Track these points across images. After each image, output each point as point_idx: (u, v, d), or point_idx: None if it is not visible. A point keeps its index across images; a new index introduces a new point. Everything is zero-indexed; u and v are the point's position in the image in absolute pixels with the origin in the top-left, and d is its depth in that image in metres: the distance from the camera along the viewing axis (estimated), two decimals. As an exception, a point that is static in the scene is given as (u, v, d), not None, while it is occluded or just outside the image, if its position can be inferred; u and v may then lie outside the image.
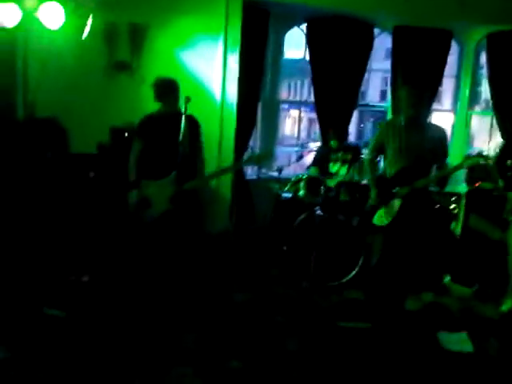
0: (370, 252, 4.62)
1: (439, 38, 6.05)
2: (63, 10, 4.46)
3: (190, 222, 4.07)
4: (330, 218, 4.75)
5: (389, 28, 6.16)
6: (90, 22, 4.73)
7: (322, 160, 5.46)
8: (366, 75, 6.34)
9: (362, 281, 4.61)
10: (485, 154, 4.03)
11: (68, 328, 3.50)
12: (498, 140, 6.28)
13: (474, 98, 6.67)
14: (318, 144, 6.20)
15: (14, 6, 4.28)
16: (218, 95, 5.57)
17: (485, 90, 6.78)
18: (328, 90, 6.04)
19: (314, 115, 6.47)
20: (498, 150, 4.80)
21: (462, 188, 5.42)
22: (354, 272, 4.63)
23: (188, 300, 4.03)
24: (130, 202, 4.01)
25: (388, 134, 4.06)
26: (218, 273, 4.80)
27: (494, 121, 6.18)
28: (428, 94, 5.97)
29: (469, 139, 6.74)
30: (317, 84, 6.12)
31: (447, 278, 5.01)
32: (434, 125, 4.30)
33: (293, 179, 5.28)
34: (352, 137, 5.56)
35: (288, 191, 5.24)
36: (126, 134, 4.85)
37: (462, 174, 5.59)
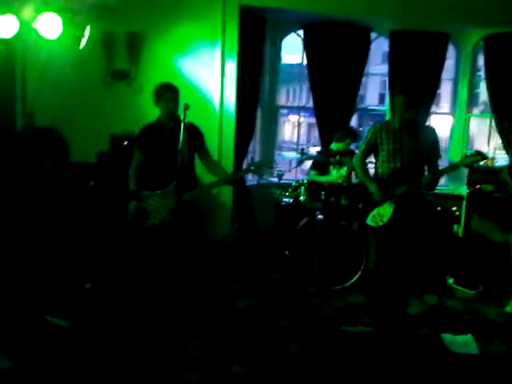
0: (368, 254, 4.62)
1: (436, 42, 6.06)
2: (61, 20, 4.48)
3: (191, 232, 4.02)
4: (331, 223, 4.74)
5: (385, 32, 6.18)
6: (87, 31, 4.75)
7: (321, 164, 5.47)
8: (364, 79, 6.35)
9: (365, 284, 4.60)
10: (483, 152, 4.05)
11: (70, 336, 3.49)
12: (497, 142, 6.28)
13: (472, 100, 6.67)
14: (318, 149, 6.21)
15: (11, 17, 4.30)
16: (216, 102, 5.58)
17: (483, 92, 6.79)
18: (326, 95, 6.05)
19: (313, 120, 6.47)
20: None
21: (463, 190, 5.41)
22: (356, 276, 4.62)
23: (191, 306, 4.03)
24: (130, 214, 3.95)
25: (382, 136, 4.12)
26: (221, 278, 4.79)
27: (493, 123, 6.18)
28: (425, 98, 6.01)
29: (468, 142, 6.73)
30: (315, 89, 6.14)
31: (451, 280, 4.99)
32: (427, 126, 4.37)
33: (293, 184, 5.28)
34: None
35: (289, 196, 5.24)
36: (126, 143, 4.86)
37: (463, 175, 5.60)
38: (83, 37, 4.75)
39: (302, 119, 7.77)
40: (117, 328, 3.64)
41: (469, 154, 4.10)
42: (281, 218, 5.27)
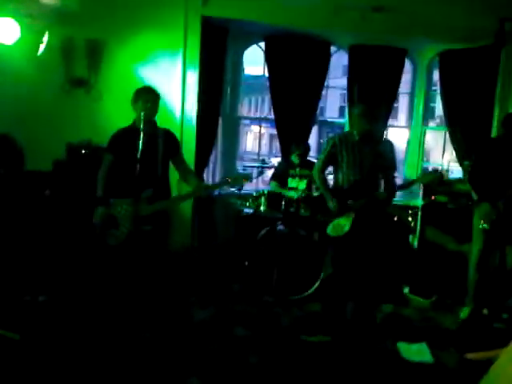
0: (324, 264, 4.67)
1: (394, 56, 6.23)
2: (18, 26, 4.39)
3: (160, 243, 3.89)
4: (291, 233, 4.78)
5: (345, 46, 6.32)
6: (46, 37, 4.67)
7: (281, 175, 5.52)
8: (324, 91, 6.46)
9: (322, 294, 4.64)
10: (439, 170, 4.18)
11: (22, 351, 3.39)
12: (452, 154, 6.48)
13: (427, 114, 6.88)
14: (279, 159, 6.26)
15: (-34, 21, 4.19)
16: (177, 111, 5.56)
17: (438, 106, 7.01)
18: (287, 106, 6.12)
19: (274, 131, 6.53)
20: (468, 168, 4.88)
21: (418, 201, 5.55)
22: (315, 285, 4.67)
23: (149, 317, 3.97)
24: (96, 220, 3.75)
25: (341, 149, 4.16)
26: (180, 290, 4.75)
27: (448, 136, 6.38)
28: (383, 111, 6.16)
29: (424, 154, 6.93)
30: (276, 100, 6.20)
31: (406, 290, 5.10)
32: (385, 139, 4.46)
33: (254, 195, 5.30)
34: (312, 152, 5.63)
35: (249, 207, 5.26)
36: (83, 151, 4.78)
37: (417, 187, 5.74)
38: (42, 43, 4.67)
39: (263, 130, 7.81)
40: (70, 341, 3.55)
41: (428, 172, 4.22)
42: (241, 229, 5.28)
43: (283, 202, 5.01)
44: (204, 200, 5.87)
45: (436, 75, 6.56)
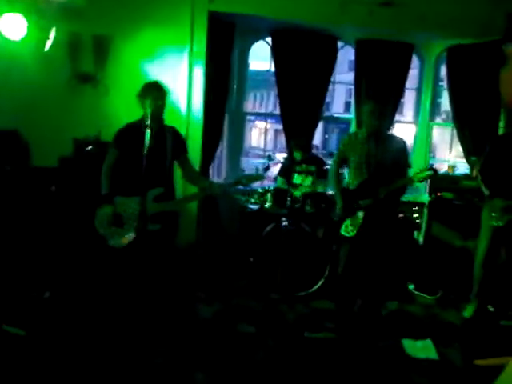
0: (336, 261, 4.67)
1: (401, 51, 6.20)
2: (26, 22, 4.40)
3: (169, 243, 3.81)
4: (296, 229, 4.78)
5: (352, 41, 6.29)
6: (53, 33, 4.67)
7: (287, 171, 5.51)
8: (331, 87, 6.43)
9: (329, 290, 4.65)
10: (434, 167, 4.17)
11: (28, 346, 3.41)
12: (458, 150, 6.46)
13: (434, 109, 6.84)
14: (285, 155, 6.26)
15: (-27, 17, 4.20)
16: (183, 107, 5.56)
17: (445, 101, 6.98)
18: (293, 102, 6.11)
19: (280, 126, 6.52)
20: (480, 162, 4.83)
21: (425, 198, 5.54)
22: (320, 282, 4.67)
23: (155, 314, 3.98)
24: (101, 219, 3.64)
25: (350, 147, 4.15)
26: (186, 286, 4.76)
27: (455, 131, 6.35)
28: (390, 107, 6.13)
29: (430, 150, 6.90)
30: (282, 96, 6.19)
31: (411, 286, 5.10)
32: (395, 137, 4.42)
33: (259, 191, 5.30)
34: (317, 148, 5.59)
35: (254, 203, 5.26)
36: (90, 147, 4.78)
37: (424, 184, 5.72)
38: (48, 39, 4.67)
39: (268, 125, 7.80)
40: (76, 337, 3.58)
41: (421, 169, 4.19)
42: (246, 225, 5.29)
43: (288, 198, 5.01)
44: (209, 196, 5.87)
45: (443, 71, 6.52)
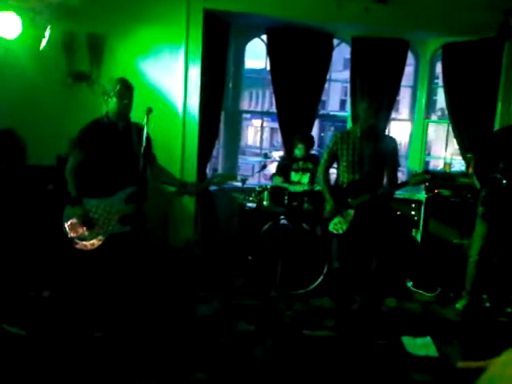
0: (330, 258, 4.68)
1: (396, 49, 6.20)
2: (20, 20, 4.36)
3: (142, 243, 3.68)
4: (295, 227, 4.78)
5: (347, 38, 6.29)
6: (48, 32, 4.64)
7: (285, 169, 5.50)
8: (326, 85, 6.43)
9: (327, 288, 4.65)
10: (430, 170, 4.18)
11: (28, 346, 3.40)
12: (454, 147, 6.47)
13: (430, 107, 6.85)
14: (281, 153, 6.26)
15: (-33, 16, 4.17)
16: (179, 106, 5.54)
17: (440, 99, 6.99)
18: (289, 100, 6.10)
19: (276, 125, 6.51)
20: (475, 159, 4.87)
21: (422, 195, 5.55)
22: (319, 280, 4.67)
23: (153, 313, 3.98)
24: (68, 222, 3.50)
25: (342, 147, 4.13)
26: (184, 284, 4.76)
27: (450, 129, 6.37)
28: (386, 104, 6.14)
29: (426, 147, 6.91)
30: (278, 94, 6.18)
31: (409, 284, 5.11)
32: (387, 136, 4.43)
33: (257, 189, 5.29)
34: (314, 145, 5.62)
35: (252, 201, 5.25)
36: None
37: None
38: (44, 37, 4.64)
39: (265, 124, 7.79)
40: (75, 336, 3.56)
41: (418, 172, 4.23)
42: (244, 223, 5.28)
43: (286, 197, 5.00)
44: (207, 194, 5.87)
45: (439, 68, 6.53)
